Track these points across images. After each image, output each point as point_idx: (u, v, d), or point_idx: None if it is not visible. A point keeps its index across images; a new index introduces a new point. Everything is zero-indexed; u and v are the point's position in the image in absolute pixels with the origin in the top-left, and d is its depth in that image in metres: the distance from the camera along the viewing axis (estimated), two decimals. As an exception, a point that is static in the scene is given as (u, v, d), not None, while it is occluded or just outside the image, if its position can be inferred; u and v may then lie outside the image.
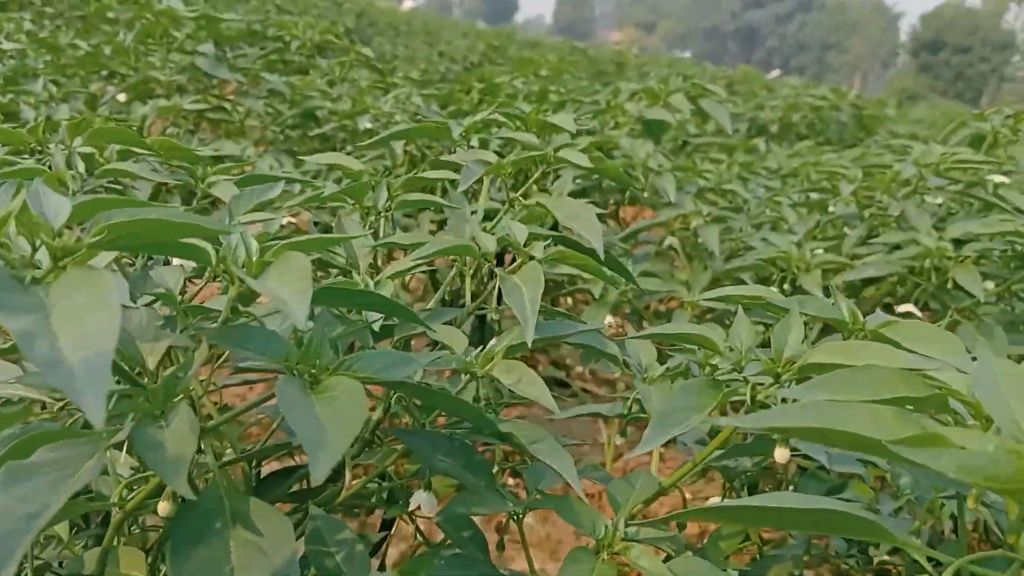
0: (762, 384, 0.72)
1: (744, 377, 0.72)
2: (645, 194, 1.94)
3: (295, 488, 0.96)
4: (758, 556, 0.99)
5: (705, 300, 0.86)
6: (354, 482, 0.85)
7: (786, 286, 1.71)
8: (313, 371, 0.59)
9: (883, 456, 0.44)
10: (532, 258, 0.82)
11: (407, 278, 2.26)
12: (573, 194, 2.07)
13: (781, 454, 0.74)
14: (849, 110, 4.80)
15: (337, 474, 0.93)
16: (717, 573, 0.68)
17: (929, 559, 0.51)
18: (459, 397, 0.71)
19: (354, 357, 0.62)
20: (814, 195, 2.10)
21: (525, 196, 1.07)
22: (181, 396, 0.59)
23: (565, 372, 2.67)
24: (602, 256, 0.93)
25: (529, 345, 0.74)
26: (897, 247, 1.64)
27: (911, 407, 0.56)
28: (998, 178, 1.98)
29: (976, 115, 2.06)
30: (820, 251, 1.78)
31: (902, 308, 1.65)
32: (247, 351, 0.60)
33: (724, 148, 3.14)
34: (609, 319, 1.83)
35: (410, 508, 0.79)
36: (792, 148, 3.79)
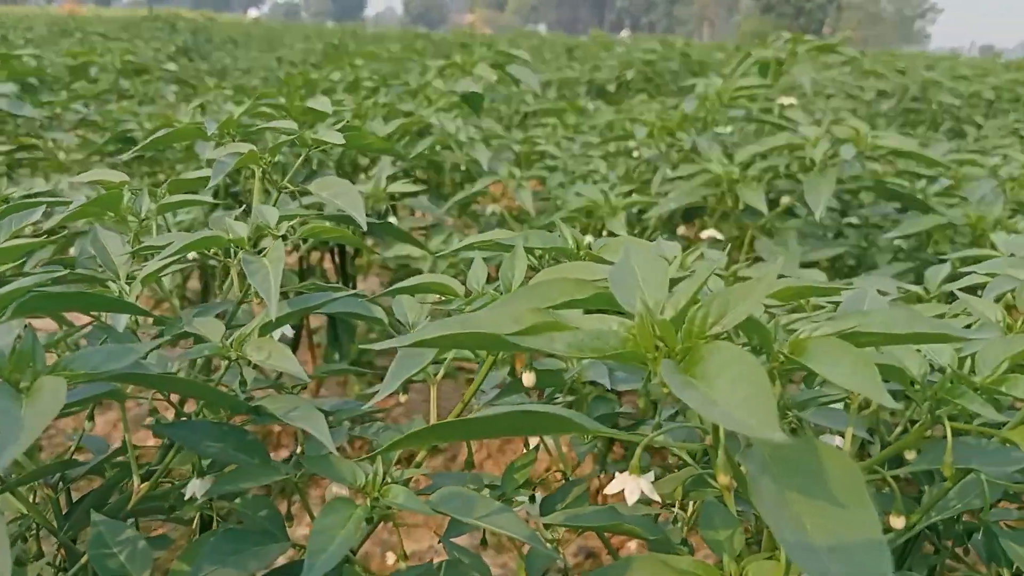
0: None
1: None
2: (463, 166, 1.98)
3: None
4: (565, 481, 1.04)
5: (451, 251, 0.91)
6: (143, 485, 0.86)
7: (604, 232, 1.79)
8: (25, 376, 0.60)
9: (505, 348, 0.49)
10: (278, 238, 0.85)
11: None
12: (396, 176, 2.10)
13: (528, 378, 0.79)
14: (679, 59, 4.97)
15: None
16: (475, 498, 0.73)
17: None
18: (191, 379, 0.73)
19: (72, 356, 0.63)
20: (631, 143, 2.19)
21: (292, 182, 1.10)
22: None
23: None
24: (364, 226, 0.97)
25: (273, 320, 0.76)
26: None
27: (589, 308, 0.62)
28: (786, 100, 2.11)
29: (759, 44, 2.18)
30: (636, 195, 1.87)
31: (706, 233, 1.76)
32: (-43, 369, 0.60)
33: (555, 112, 3.22)
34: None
35: (186, 496, 0.80)
36: (628, 103, 3.91)
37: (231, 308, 0.93)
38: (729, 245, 1.87)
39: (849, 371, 0.45)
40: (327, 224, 0.90)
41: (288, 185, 1.07)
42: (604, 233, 1.79)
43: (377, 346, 0.52)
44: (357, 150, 1.33)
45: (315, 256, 2.38)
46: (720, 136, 1.95)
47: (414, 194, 2.17)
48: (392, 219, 1.96)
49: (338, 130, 1.06)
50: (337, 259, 2.46)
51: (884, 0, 57.86)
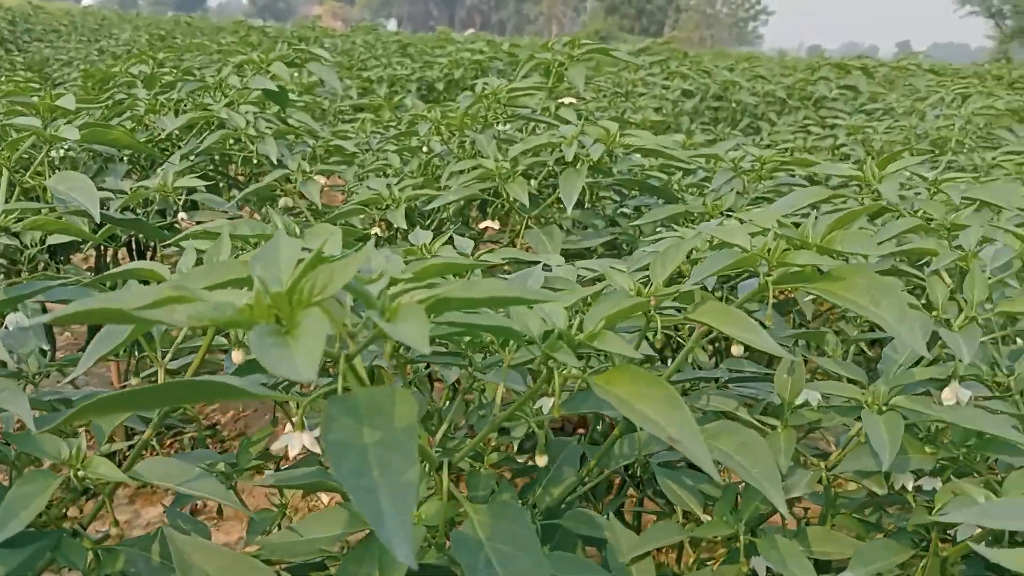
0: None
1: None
2: (255, 160, 2.02)
3: None
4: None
5: (173, 241, 0.96)
6: None
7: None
8: None
9: (130, 321, 0.56)
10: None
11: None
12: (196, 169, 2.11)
13: (236, 355, 0.86)
14: (506, 58, 5.12)
15: None
16: (179, 466, 0.79)
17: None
18: None
19: None
20: (435, 139, 2.28)
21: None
22: None
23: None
24: (97, 219, 1.01)
25: (-22, 307, 0.80)
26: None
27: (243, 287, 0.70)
28: (567, 100, 2.26)
29: (542, 46, 2.32)
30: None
31: (483, 224, 1.87)
32: None
33: (371, 108, 3.28)
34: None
35: None
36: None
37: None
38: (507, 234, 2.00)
39: (412, 330, 0.55)
40: (52, 219, 0.93)
41: (29, 180, 1.09)
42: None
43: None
44: (102, 145, 1.35)
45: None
46: (504, 133, 2.07)
47: (213, 188, 2.19)
48: (183, 215, 1.97)
49: (79, 126, 1.09)
50: (135, 254, 2.44)
51: (720, 2, 60.93)
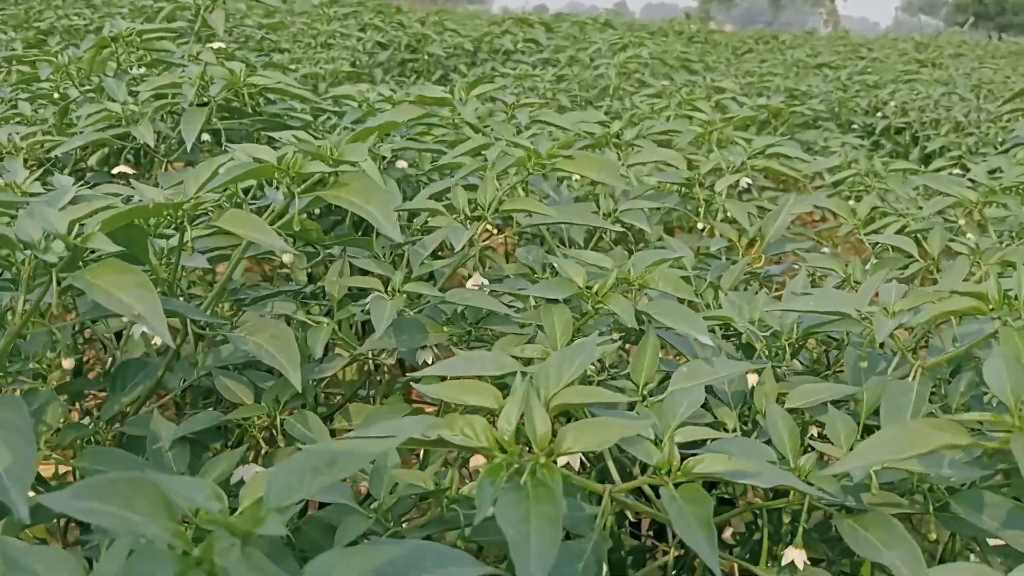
0: None
1: None
2: None
3: None
4: None
5: None
6: None
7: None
8: None
9: None
10: None
11: None
12: None
13: None
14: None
15: None
16: None
17: None
18: None
19: None
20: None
21: None
22: None
23: None
24: None
25: None
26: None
27: None
28: (216, 45, 2.25)
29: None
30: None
31: (117, 169, 1.84)
32: None
33: (22, 60, 3.03)
34: None
35: None
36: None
37: None
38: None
39: None
40: None
41: None
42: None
43: None
44: None
45: None
46: (146, 77, 2.03)
47: None
48: None
49: None
50: None
51: (448, -39, 61.70)
